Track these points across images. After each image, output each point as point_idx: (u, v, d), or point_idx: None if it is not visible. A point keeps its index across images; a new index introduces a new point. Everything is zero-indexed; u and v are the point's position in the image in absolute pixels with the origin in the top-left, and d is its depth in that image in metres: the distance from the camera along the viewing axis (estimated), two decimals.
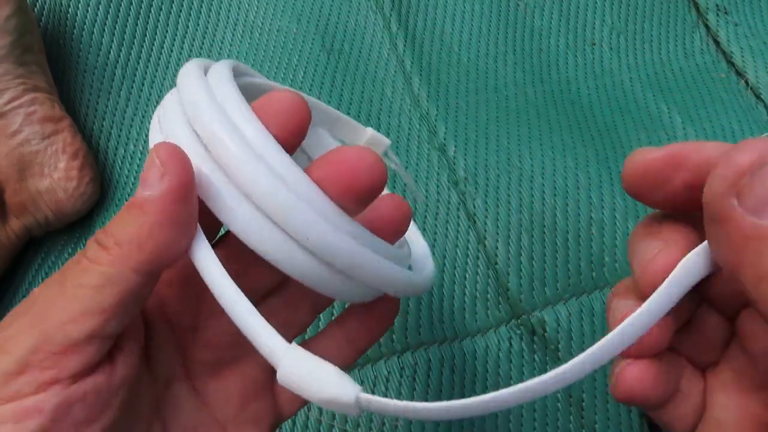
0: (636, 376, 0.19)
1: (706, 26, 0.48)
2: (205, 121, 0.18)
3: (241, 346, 0.21)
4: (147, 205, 0.17)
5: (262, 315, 0.17)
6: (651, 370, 0.19)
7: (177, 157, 0.17)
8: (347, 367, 0.22)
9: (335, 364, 0.17)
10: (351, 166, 0.18)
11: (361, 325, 0.23)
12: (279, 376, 0.17)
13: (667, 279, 0.17)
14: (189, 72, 0.20)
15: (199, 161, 0.18)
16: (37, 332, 0.17)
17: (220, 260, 0.18)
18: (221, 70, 0.20)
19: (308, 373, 0.17)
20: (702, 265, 0.17)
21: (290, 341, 0.17)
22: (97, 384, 0.17)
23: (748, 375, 0.19)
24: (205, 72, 0.20)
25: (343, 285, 0.19)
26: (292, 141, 0.19)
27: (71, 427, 0.17)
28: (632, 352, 0.19)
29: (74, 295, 0.17)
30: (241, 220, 0.18)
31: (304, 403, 0.23)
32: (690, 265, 0.17)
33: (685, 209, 0.19)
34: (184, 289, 0.21)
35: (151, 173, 0.17)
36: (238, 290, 0.17)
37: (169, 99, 0.20)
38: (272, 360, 0.17)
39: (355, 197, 0.18)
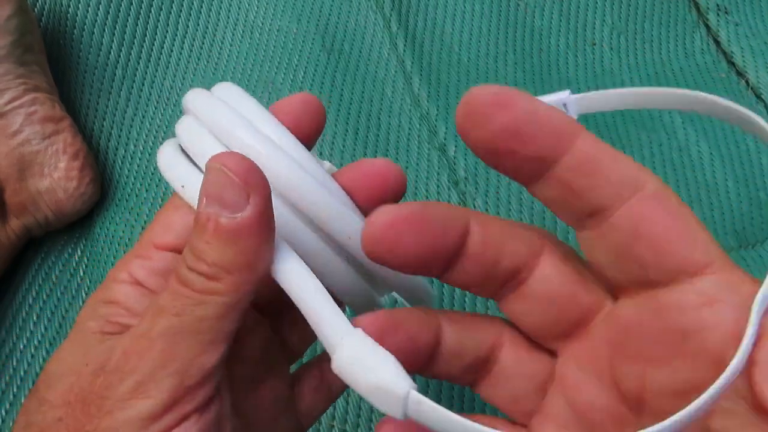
0: None
1: (707, 26, 0.48)
2: (243, 136, 0.19)
3: (270, 360, 0.22)
4: (244, 230, 0.17)
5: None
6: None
7: (254, 170, 0.17)
8: None
9: None
10: (380, 173, 0.20)
11: None
12: (336, 358, 0.16)
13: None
14: (201, 94, 0.21)
15: None
16: (174, 372, 0.17)
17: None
18: (231, 88, 0.21)
19: (367, 357, 0.16)
20: None
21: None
22: (224, 407, 0.18)
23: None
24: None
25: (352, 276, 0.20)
26: (312, 138, 0.21)
27: None
28: None
29: (198, 328, 0.17)
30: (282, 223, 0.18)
31: (322, 412, 0.24)
32: None
33: (497, 156, 0.16)
34: None
35: (231, 192, 0.16)
36: (306, 268, 0.18)
37: (187, 125, 0.20)
38: (333, 340, 0.16)
39: (381, 201, 0.20)
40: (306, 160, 0.19)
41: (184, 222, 0.20)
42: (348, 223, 0.19)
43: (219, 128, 0.19)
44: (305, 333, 0.23)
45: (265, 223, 0.17)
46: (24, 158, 0.37)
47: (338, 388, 0.23)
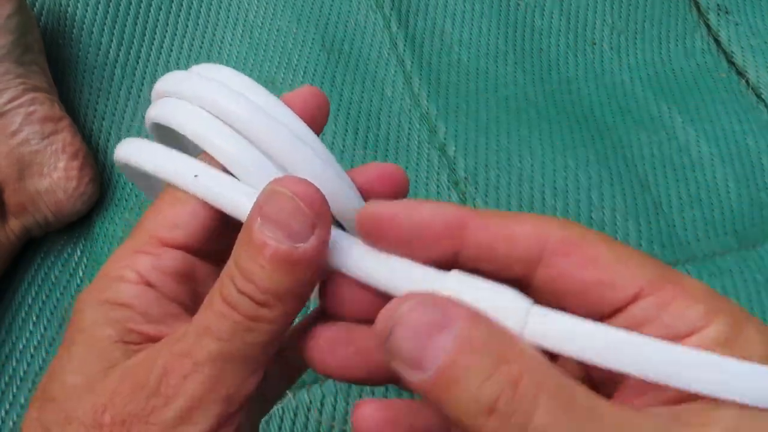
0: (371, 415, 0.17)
1: (707, 26, 0.48)
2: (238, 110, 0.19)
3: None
4: (304, 261, 0.16)
5: None
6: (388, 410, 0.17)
7: (323, 200, 0.17)
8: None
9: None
10: (391, 174, 0.21)
11: None
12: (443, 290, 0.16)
13: None
14: (184, 75, 0.20)
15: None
16: (219, 399, 0.17)
17: None
18: (212, 67, 0.21)
19: (480, 282, 0.16)
20: None
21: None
22: (252, 407, 0.18)
23: None
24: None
25: None
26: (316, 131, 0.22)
27: None
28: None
29: (246, 356, 0.17)
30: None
31: (284, 392, 0.25)
32: None
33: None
34: None
35: (299, 222, 0.16)
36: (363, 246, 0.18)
37: (176, 109, 0.20)
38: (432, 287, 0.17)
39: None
40: (307, 135, 0.20)
41: (193, 218, 0.19)
42: (349, 201, 0.19)
43: (216, 105, 0.19)
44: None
45: (323, 255, 0.17)
46: (23, 158, 0.37)
47: (301, 368, 0.24)
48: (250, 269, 0.16)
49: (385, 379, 0.18)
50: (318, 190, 0.17)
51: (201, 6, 0.45)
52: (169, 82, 0.20)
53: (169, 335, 0.18)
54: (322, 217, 0.16)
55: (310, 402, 0.33)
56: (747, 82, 0.45)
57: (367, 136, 0.41)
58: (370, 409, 0.17)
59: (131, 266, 0.19)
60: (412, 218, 0.17)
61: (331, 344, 0.18)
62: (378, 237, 0.17)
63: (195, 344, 0.17)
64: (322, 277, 0.18)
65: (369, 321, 0.17)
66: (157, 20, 0.45)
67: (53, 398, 0.18)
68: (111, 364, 0.17)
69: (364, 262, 0.17)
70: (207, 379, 0.17)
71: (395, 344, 0.15)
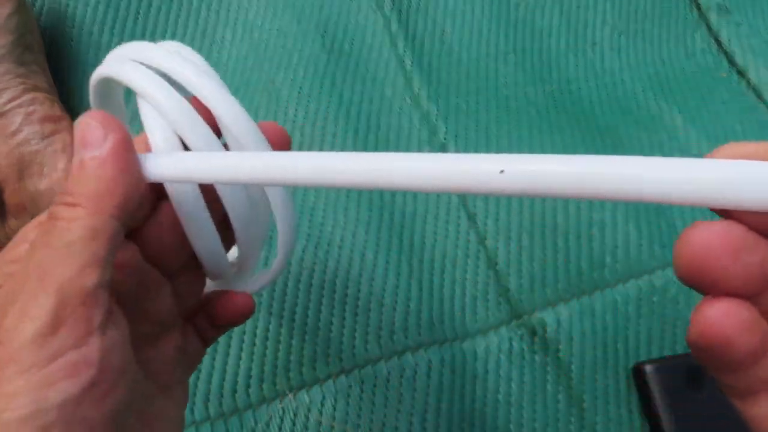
0: (725, 312, 0.15)
1: (708, 26, 0.48)
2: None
3: (172, 317, 0.24)
4: (105, 163, 0.19)
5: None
6: (744, 311, 0.15)
7: (111, 117, 0.20)
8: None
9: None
10: (273, 130, 0.23)
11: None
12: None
13: None
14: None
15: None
16: (52, 291, 0.17)
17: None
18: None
19: None
20: None
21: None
22: (122, 333, 0.19)
23: None
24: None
25: None
26: None
27: (115, 375, 0.18)
28: (722, 286, 0.15)
29: (68, 253, 0.18)
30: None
31: (203, 353, 0.26)
32: None
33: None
34: (134, 272, 0.23)
35: (91, 133, 0.19)
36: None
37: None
38: None
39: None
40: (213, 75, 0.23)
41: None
42: (242, 124, 0.22)
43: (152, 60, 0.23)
44: (199, 288, 0.25)
45: (122, 155, 0.19)
46: (23, 158, 0.37)
47: (224, 326, 0.26)
48: (67, 186, 0.19)
49: None
50: (100, 112, 0.20)
51: (201, 6, 0.45)
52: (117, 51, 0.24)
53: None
54: (113, 126, 0.20)
55: (310, 402, 0.33)
56: (748, 82, 0.45)
57: (367, 137, 0.41)
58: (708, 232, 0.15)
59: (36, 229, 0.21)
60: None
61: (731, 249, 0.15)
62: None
63: (26, 261, 0.18)
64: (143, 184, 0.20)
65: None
66: (157, 20, 0.45)
67: None
68: None
69: (180, 164, 0.20)
70: (36, 280, 0.18)
71: None
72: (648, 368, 0.34)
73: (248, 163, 0.19)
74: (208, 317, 0.25)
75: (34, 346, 0.17)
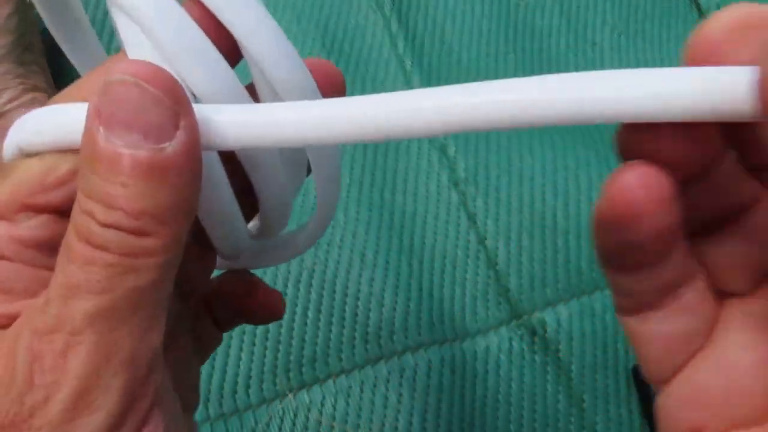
0: (644, 182, 0.12)
1: None
2: None
3: (183, 312, 0.19)
4: (177, 164, 0.12)
5: None
6: (665, 184, 0.12)
7: (176, 82, 0.12)
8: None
9: None
10: (324, 68, 0.16)
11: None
12: None
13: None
14: None
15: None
16: (119, 366, 0.13)
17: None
18: None
19: None
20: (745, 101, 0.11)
21: None
22: (168, 384, 0.15)
23: None
24: None
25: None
26: None
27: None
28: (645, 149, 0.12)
29: (136, 304, 0.13)
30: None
31: (216, 346, 0.21)
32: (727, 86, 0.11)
33: None
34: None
35: (156, 116, 0.12)
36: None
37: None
38: None
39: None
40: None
41: (64, 176, 0.14)
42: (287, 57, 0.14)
43: None
44: (209, 266, 0.19)
45: (198, 151, 0.13)
46: None
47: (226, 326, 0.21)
48: (109, 192, 0.12)
49: None
50: (163, 69, 0.12)
51: None
52: None
53: (26, 311, 0.13)
54: (183, 101, 0.12)
55: (310, 402, 0.33)
56: None
57: None
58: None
59: None
60: None
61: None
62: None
63: (63, 311, 0.12)
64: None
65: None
66: None
67: None
68: None
69: (247, 129, 0.13)
70: (94, 348, 0.12)
71: None
72: None
73: (323, 117, 0.13)
74: (225, 305, 0.20)
75: None
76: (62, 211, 0.14)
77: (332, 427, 0.33)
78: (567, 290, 0.37)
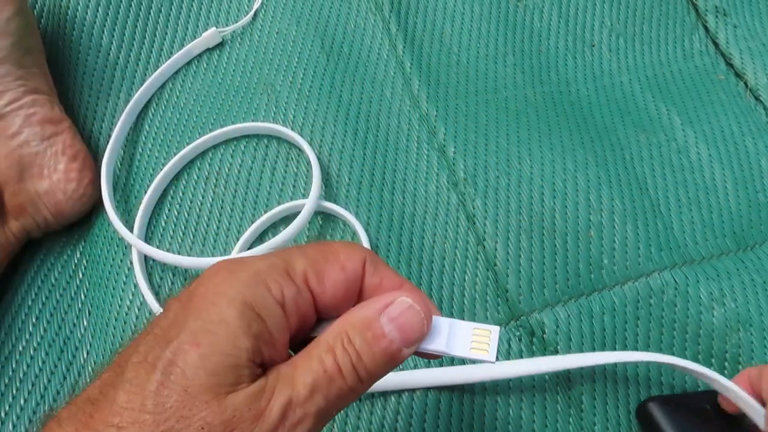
0: None
1: (705, 28, 0.48)
2: None
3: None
4: (400, 361, 0.21)
5: None
6: None
7: (429, 321, 0.22)
8: None
9: None
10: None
11: None
12: None
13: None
14: None
15: None
16: None
17: None
18: None
19: None
20: None
21: None
22: None
23: None
24: None
25: None
26: None
27: None
28: None
29: (331, 415, 0.21)
30: None
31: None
32: None
33: None
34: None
35: (416, 333, 0.21)
36: None
37: None
38: None
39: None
40: None
41: (345, 285, 0.22)
42: None
43: None
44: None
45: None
46: (23, 160, 0.37)
47: None
48: (366, 352, 0.20)
49: None
50: (430, 311, 0.21)
51: (201, 8, 0.46)
52: None
53: (280, 377, 0.20)
54: (429, 323, 0.21)
55: None
56: (745, 84, 0.45)
57: (366, 137, 0.41)
58: None
59: (278, 282, 0.20)
60: None
61: None
62: None
63: (308, 399, 0.20)
64: None
65: None
66: (157, 22, 0.45)
67: (178, 373, 0.19)
68: (238, 381, 0.19)
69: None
70: (313, 425, 0.20)
71: None
72: (653, 405, 0.32)
73: None
74: None
75: None
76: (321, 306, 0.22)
77: (332, 428, 0.33)
78: (565, 292, 0.37)
